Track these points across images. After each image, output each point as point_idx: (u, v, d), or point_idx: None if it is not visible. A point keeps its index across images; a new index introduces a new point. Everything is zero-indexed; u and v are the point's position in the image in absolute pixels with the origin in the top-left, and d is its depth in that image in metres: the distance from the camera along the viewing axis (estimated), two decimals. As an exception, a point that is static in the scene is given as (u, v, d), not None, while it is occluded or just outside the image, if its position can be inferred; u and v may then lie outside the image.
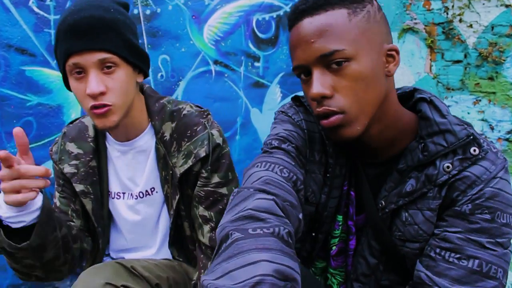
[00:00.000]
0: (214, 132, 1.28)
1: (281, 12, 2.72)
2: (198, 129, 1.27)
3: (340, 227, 1.11)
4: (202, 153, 1.24)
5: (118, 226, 1.40)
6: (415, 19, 2.79)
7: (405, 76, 2.70)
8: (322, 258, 1.19)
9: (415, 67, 2.82)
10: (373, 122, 0.94)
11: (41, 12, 2.16)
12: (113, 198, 1.37)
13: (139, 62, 1.22)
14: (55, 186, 1.38)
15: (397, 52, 0.96)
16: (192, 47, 2.57)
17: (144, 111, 1.31)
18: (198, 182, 1.26)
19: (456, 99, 2.73)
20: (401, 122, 0.99)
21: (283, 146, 1.01)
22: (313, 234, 1.11)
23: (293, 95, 2.82)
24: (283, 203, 0.82)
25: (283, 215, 0.78)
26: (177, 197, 1.28)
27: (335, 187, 1.06)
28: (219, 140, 1.27)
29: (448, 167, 0.91)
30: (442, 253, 0.91)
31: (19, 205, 1.02)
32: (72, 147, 1.32)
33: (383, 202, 1.00)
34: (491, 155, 0.92)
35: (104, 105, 1.12)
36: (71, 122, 1.41)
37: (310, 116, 1.09)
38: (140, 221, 1.36)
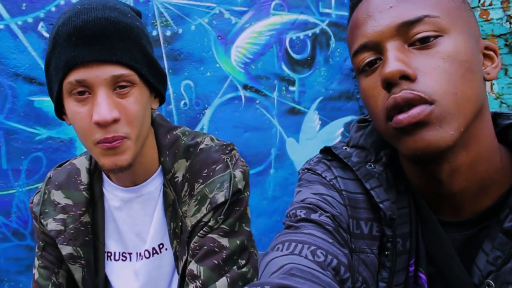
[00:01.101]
0: (237, 173, 1.01)
1: (317, 30, 2.51)
2: (217, 168, 1.01)
3: None
4: (220, 199, 0.97)
5: None
6: (473, 31, 2.51)
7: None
8: None
9: (475, 86, 2.52)
10: (461, 147, 0.66)
11: (51, 37, 2.01)
12: (117, 260, 1.09)
13: (158, 84, 0.97)
14: (36, 250, 1.10)
15: (496, 53, 0.71)
16: (219, 71, 2.37)
17: (155, 147, 1.05)
18: (200, 232, 0.98)
19: (527, 121, 2.38)
20: (497, 156, 0.71)
21: (313, 217, 0.73)
22: None
23: (332, 123, 2.66)
24: None
25: None
26: (184, 258, 1.00)
27: (399, 269, 0.76)
28: (241, 185, 1.00)
29: None
30: None
31: None
32: (59, 197, 1.05)
33: (491, 283, 0.67)
34: None
35: (116, 138, 0.86)
36: (60, 165, 1.14)
37: (348, 171, 0.81)
38: None
